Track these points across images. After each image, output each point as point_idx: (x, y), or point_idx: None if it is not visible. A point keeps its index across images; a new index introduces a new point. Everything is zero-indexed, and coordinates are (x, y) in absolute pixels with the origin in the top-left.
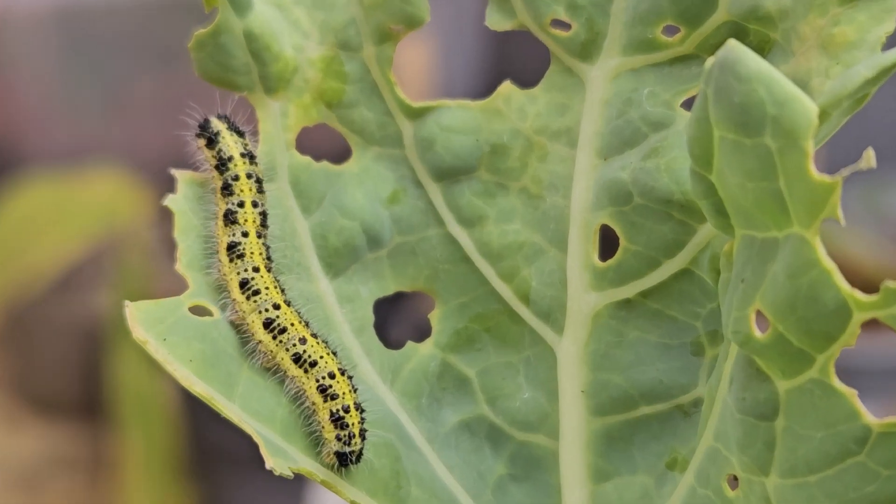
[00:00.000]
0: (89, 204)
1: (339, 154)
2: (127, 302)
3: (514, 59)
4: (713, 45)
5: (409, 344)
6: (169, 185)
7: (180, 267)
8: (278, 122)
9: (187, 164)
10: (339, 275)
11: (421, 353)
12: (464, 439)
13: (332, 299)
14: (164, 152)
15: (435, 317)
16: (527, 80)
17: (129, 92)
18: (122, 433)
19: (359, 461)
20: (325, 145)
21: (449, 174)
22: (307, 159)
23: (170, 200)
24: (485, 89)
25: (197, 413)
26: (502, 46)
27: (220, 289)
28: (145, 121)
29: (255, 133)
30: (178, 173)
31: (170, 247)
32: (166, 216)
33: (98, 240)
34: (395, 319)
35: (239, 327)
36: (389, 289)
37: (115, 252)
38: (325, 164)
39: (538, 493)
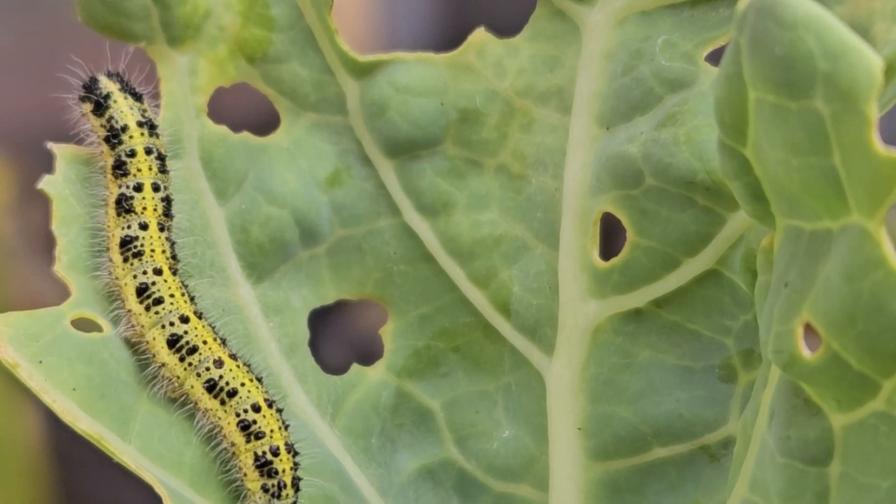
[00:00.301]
0: None
1: (263, 124)
2: None
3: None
4: None
5: (355, 367)
6: (38, 162)
7: (60, 268)
8: (186, 81)
9: (65, 135)
10: (265, 278)
11: (370, 380)
12: (426, 490)
13: (256, 310)
14: (26, 120)
15: (388, 332)
16: (502, 29)
17: None
18: None
19: None
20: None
21: (406, 148)
22: (223, 129)
23: (46, 183)
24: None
25: (69, 457)
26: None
27: (112, 296)
28: (2, 79)
29: (155, 96)
30: (56, 148)
31: (37, 241)
32: (32, 201)
33: None
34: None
35: (136, 346)
36: (329, 296)
37: None
38: (245, 135)
39: None
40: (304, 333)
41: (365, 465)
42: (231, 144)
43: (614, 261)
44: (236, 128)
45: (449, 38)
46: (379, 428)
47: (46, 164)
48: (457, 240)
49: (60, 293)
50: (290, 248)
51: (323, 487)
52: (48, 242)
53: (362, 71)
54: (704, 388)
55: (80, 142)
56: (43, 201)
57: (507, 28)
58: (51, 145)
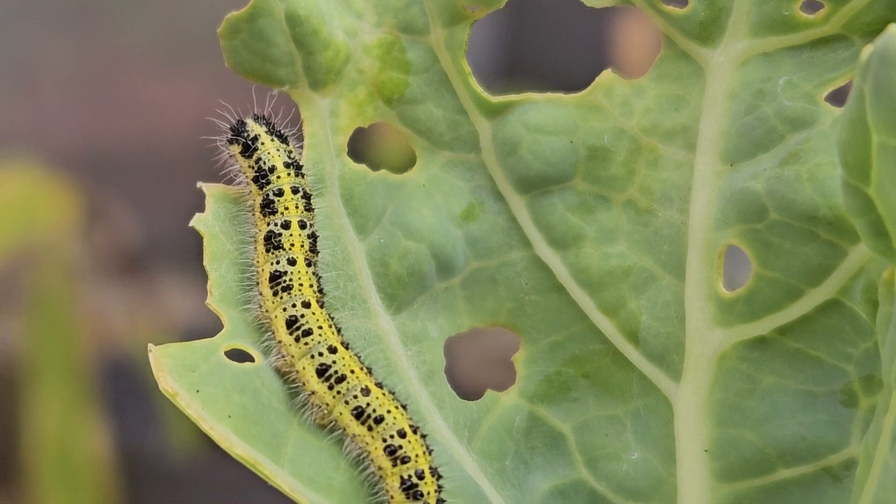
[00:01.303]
0: None
1: (398, 163)
2: (151, 346)
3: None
4: (865, 25)
5: (489, 393)
6: (102, 185)
7: (213, 301)
8: (327, 122)
9: (130, 160)
10: (403, 309)
11: (503, 405)
12: None
13: (395, 339)
14: (90, 144)
15: (520, 359)
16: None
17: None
18: (40, 502)
19: None
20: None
21: (537, 184)
22: (362, 168)
23: (198, 220)
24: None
25: (132, 478)
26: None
27: (263, 328)
28: (61, 100)
29: (298, 138)
30: (206, 187)
31: (102, 262)
32: (96, 223)
33: (8, 253)
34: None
35: (286, 375)
36: (464, 325)
37: (29, 268)
38: (384, 173)
39: None
40: (441, 361)
41: (500, 487)
42: (370, 182)
43: (739, 291)
44: (374, 167)
45: (506, 65)
46: (513, 451)
47: (110, 187)
48: (587, 271)
49: (124, 312)
50: (427, 280)
51: None
52: (113, 263)
53: (494, 111)
54: (827, 412)
55: (228, 181)
56: (108, 224)
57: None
58: (201, 185)
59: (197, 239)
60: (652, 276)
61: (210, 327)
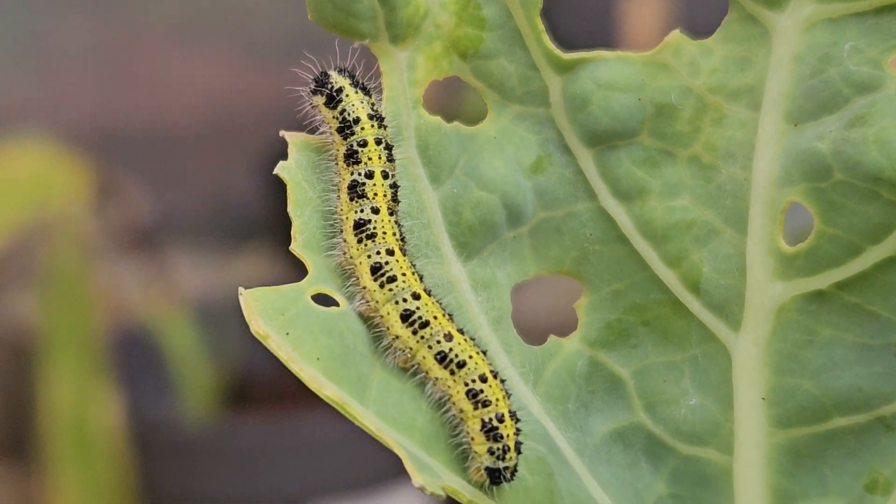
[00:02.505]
0: (10, 185)
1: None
2: (241, 289)
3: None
4: None
5: (552, 338)
6: (115, 162)
7: (297, 247)
8: (404, 75)
9: (140, 136)
10: (473, 257)
11: (566, 350)
12: (616, 452)
13: (466, 285)
14: (103, 122)
15: (582, 307)
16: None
17: (53, 40)
18: (55, 474)
19: (513, 478)
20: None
21: (604, 139)
22: (437, 120)
23: (281, 168)
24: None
25: (148, 448)
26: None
27: (346, 274)
28: (75, 77)
29: (378, 91)
30: (289, 136)
31: (116, 238)
32: (109, 197)
33: (23, 229)
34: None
35: (369, 320)
36: (530, 272)
37: (43, 244)
38: (456, 125)
39: None
40: (508, 307)
41: (564, 429)
42: (444, 133)
43: (800, 246)
44: (448, 120)
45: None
46: (575, 394)
47: (124, 163)
48: (651, 224)
49: (137, 286)
50: (498, 229)
51: (536, 450)
52: (126, 239)
53: (565, 67)
54: (882, 365)
55: (310, 131)
56: (121, 200)
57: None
58: (283, 133)
59: (209, 216)
60: (714, 230)
61: (221, 303)
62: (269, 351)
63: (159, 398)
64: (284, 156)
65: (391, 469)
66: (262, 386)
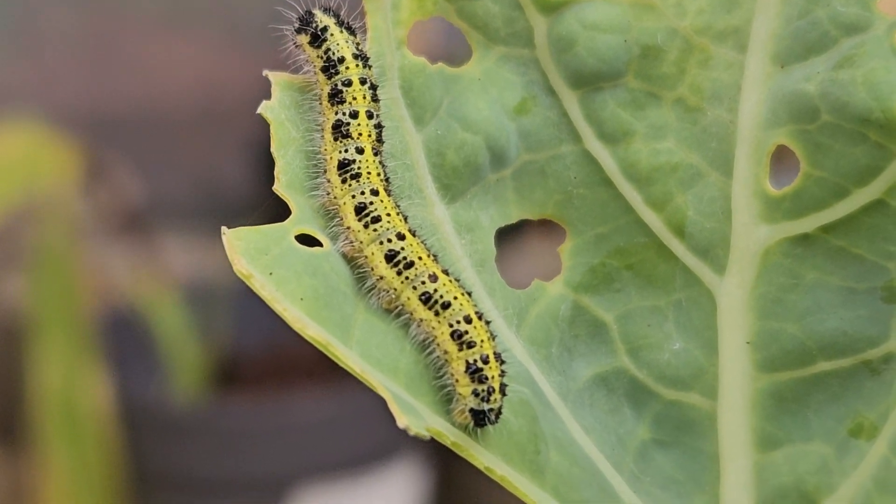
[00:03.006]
0: None
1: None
2: (224, 229)
3: None
4: None
5: (536, 282)
6: (104, 144)
7: (280, 187)
8: (389, 15)
9: (123, 112)
10: (457, 199)
11: (549, 294)
12: (599, 397)
13: (449, 228)
14: (91, 104)
15: (565, 250)
16: None
17: (41, 23)
18: (44, 456)
19: (497, 420)
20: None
21: (590, 80)
22: (421, 61)
23: (264, 107)
24: None
25: (137, 429)
26: None
27: (329, 215)
28: (64, 59)
29: (362, 31)
30: (272, 75)
31: (105, 220)
32: (98, 180)
33: (12, 211)
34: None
35: (352, 261)
36: (513, 216)
37: (32, 226)
38: (441, 66)
39: (689, 462)
40: (492, 250)
41: (547, 373)
42: (428, 74)
43: (786, 189)
44: (431, 60)
45: None
46: (558, 338)
47: (112, 146)
48: (635, 166)
49: (126, 268)
50: (482, 171)
51: (521, 392)
52: (115, 221)
53: (550, 8)
54: (867, 308)
55: (294, 71)
56: (110, 182)
57: None
58: (266, 72)
59: (197, 198)
60: (699, 173)
61: (210, 284)
62: (257, 332)
63: (148, 379)
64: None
65: (379, 450)
66: (251, 367)
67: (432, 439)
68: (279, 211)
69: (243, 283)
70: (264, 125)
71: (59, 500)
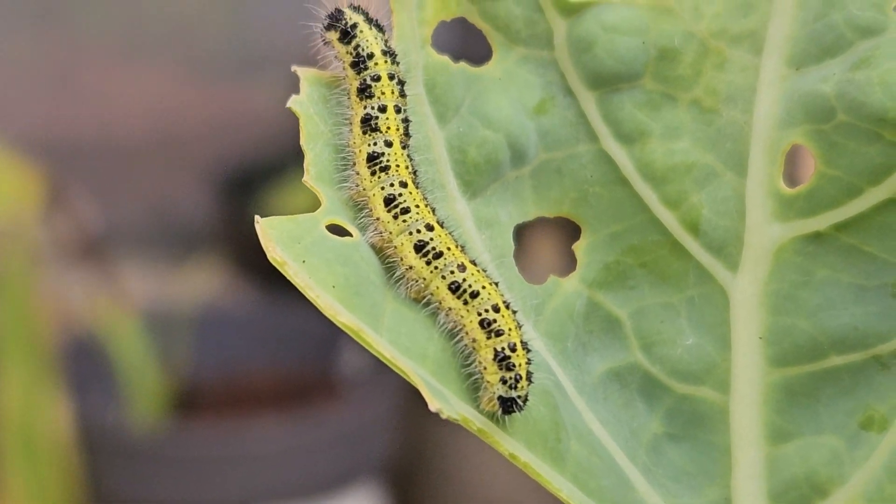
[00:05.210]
0: None
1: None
2: (258, 217)
3: None
4: None
5: (552, 278)
6: (64, 172)
7: (309, 179)
8: (414, 14)
9: (81, 139)
10: (478, 195)
11: (565, 290)
12: (613, 391)
13: (470, 223)
14: (46, 127)
15: (580, 248)
16: None
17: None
18: (2, 480)
19: (524, 407)
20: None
21: (608, 81)
22: (445, 59)
23: (294, 102)
24: None
25: (96, 454)
26: None
27: (358, 207)
28: (23, 87)
29: (388, 29)
30: (301, 71)
31: (64, 249)
32: (57, 207)
33: None
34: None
35: (381, 252)
36: (530, 213)
37: None
38: (463, 65)
39: (700, 455)
40: (510, 245)
41: (564, 366)
42: (451, 73)
43: (800, 188)
44: (454, 59)
45: None
46: (573, 333)
47: (71, 174)
48: (651, 166)
49: (85, 295)
50: (502, 169)
51: (543, 382)
52: (74, 248)
53: (570, 10)
54: (878, 304)
55: (321, 67)
56: (69, 209)
57: None
58: (295, 68)
59: (156, 226)
60: (714, 173)
61: (168, 311)
62: (216, 360)
63: (107, 405)
64: (231, 170)
65: (336, 478)
66: (209, 394)
67: (392, 466)
68: (232, 244)
69: (202, 310)
70: (223, 156)
71: None
